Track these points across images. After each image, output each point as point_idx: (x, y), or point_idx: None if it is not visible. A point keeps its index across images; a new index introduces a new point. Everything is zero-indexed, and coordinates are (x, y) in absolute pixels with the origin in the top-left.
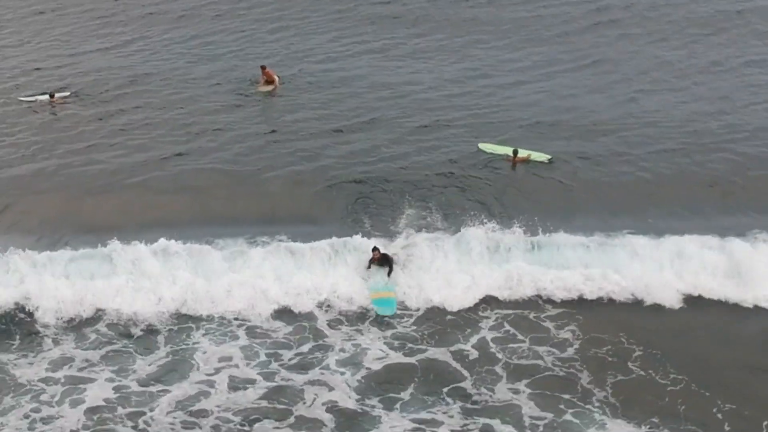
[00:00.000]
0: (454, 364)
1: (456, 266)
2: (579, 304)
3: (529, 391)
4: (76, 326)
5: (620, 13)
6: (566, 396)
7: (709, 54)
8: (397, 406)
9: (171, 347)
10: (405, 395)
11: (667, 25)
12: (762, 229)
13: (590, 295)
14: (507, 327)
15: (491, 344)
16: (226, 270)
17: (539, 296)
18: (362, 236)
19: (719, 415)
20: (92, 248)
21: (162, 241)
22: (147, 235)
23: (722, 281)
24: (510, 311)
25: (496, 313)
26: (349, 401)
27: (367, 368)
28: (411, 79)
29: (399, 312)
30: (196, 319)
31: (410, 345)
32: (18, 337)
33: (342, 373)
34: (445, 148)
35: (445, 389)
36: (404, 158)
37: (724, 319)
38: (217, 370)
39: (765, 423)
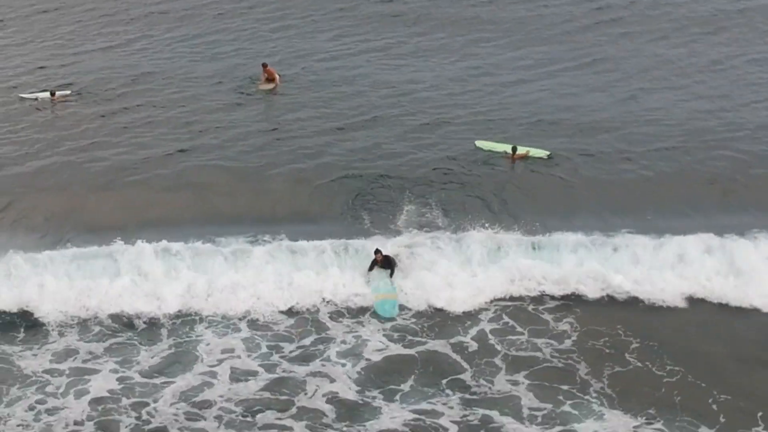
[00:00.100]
0: (453, 355)
1: (457, 267)
2: (577, 297)
3: (527, 382)
4: (80, 319)
5: (621, 11)
6: (564, 387)
7: (710, 52)
8: (397, 397)
9: (174, 339)
10: (405, 386)
11: (668, 23)
12: (762, 227)
13: (589, 293)
14: (506, 319)
15: (490, 336)
16: (227, 270)
17: (538, 292)
18: (364, 238)
19: (714, 407)
20: (95, 247)
21: (164, 242)
22: (149, 232)
23: (722, 279)
24: (509, 303)
25: (495, 306)
26: (349, 392)
27: (367, 360)
28: (412, 77)
29: (399, 305)
30: (199, 313)
31: (410, 337)
32: (23, 329)
33: (343, 365)
34: (446, 145)
35: (445, 381)
36: (405, 156)
37: (722, 314)
38: (220, 362)
39: (760, 414)
